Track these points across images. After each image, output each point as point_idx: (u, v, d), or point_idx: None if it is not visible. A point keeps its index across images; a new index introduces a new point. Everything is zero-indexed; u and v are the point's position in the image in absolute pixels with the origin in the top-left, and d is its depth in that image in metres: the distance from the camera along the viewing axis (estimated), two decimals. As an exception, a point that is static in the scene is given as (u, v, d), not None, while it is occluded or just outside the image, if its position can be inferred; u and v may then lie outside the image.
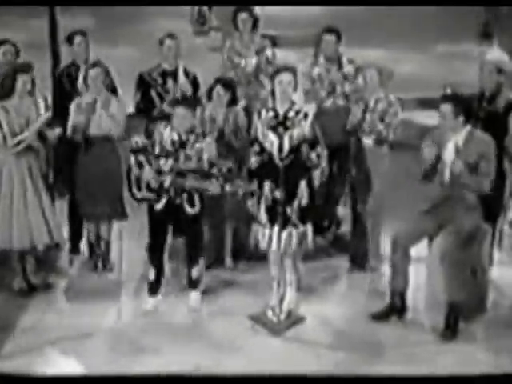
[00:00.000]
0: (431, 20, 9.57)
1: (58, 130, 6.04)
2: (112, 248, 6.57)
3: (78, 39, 6.69)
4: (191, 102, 6.10)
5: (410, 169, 5.86)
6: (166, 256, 5.97)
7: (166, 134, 5.67)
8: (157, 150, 5.64)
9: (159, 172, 5.58)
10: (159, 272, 5.83)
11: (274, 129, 5.52)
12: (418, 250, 5.69)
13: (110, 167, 6.29)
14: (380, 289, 5.99)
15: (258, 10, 7.12)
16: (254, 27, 7.02)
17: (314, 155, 5.51)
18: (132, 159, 5.63)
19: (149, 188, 5.62)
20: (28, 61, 6.18)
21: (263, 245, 5.63)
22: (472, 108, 5.62)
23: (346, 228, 6.68)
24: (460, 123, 5.42)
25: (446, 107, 5.40)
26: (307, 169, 5.52)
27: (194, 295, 5.83)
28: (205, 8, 10.48)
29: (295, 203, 5.51)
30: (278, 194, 5.49)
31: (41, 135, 6.01)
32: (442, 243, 5.48)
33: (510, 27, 8.67)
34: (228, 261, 6.53)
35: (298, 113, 5.53)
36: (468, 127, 5.46)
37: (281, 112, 5.53)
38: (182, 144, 5.64)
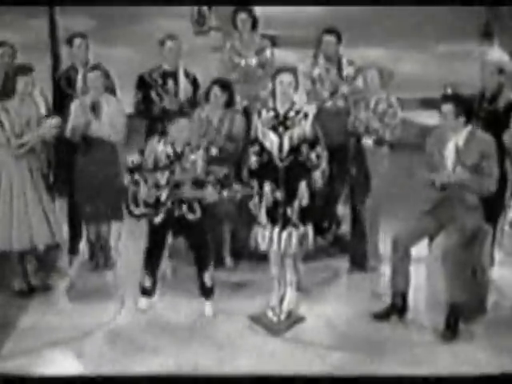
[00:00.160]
0: (432, 20, 9.56)
1: (55, 121, 6.01)
2: (112, 248, 6.56)
3: (77, 41, 6.68)
4: (190, 112, 6.11)
5: (410, 169, 5.86)
6: (163, 259, 5.96)
7: (160, 148, 5.64)
8: (152, 165, 5.61)
9: (156, 186, 5.57)
10: (154, 278, 5.82)
11: (274, 129, 5.52)
12: (418, 250, 5.69)
13: (109, 168, 6.28)
14: (380, 289, 5.99)
15: (257, 10, 7.11)
16: (253, 27, 7.01)
17: (314, 155, 5.50)
18: (128, 178, 5.62)
19: (146, 204, 5.60)
20: (28, 62, 6.18)
21: (263, 245, 5.63)
22: (473, 108, 5.62)
23: (345, 228, 6.68)
24: (461, 123, 5.41)
25: (447, 107, 5.39)
26: (307, 169, 5.52)
27: (208, 305, 5.77)
28: (205, 8, 10.48)
29: (295, 204, 5.51)
30: (279, 194, 5.49)
31: (41, 136, 6.00)
32: (443, 243, 5.48)
33: (511, 27, 8.67)
34: (228, 261, 6.52)
35: (298, 113, 5.53)
36: (469, 127, 5.45)
37: (281, 112, 5.52)
38: (178, 156, 5.61)
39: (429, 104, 8.28)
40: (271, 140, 5.51)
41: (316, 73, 6.64)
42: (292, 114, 5.52)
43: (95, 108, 6.21)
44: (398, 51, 10.01)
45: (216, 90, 6.31)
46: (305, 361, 5.16)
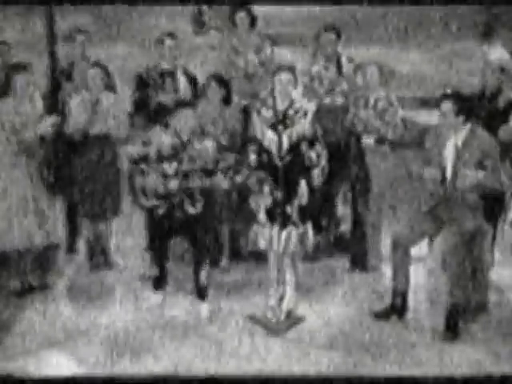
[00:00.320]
0: (432, 19, 9.58)
1: (53, 119, 6.00)
2: (111, 247, 6.54)
3: (80, 38, 6.68)
4: (193, 101, 6.09)
5: (410, 168, 5.85)
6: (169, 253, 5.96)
7: (165, 138, 5.62)
8: (157, 155, 5.60)
9: (164, 176, 5.55)
10: (162, 269, 5.80)
11: (273, 127, 5.50)
12: (418, 250, 5.68)
13: (108, 165, 6.26)
14: (380, 289, 5.98)
15: (256, 8, 7.10)
16: (252, 26, 7.00)
17: (313, 154, 5.49)
18: (134, 169, 5.61)
19: (156, 195, 5.58)
20: (25, 60, 6.16)
21: (263, 245, 5.61)
22: (473, 106, 5.60)
23: (345, 228, 6.66)
24: (461, 122, 5.40)
25: (447, 106, 5.38)
26: (307, 168, 5.50)
27: (205, 307, 5.77)
28: (204, 7, 10.50)
29: (295, 202, 5.49)
30: (278, 193, 5.48)
31: (42, 137, 5.99)
32: (443, 243, 5.47)
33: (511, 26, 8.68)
34: (225, 261, 6.49)
35: (297, 111, 5.51)
36: (469, 125, 5.43)
37: (280, 110, 5.51)
38: (183, 146, 5.60)
39: (429, 103, 8.26)
40: (270, 139, 5.50)
41: (315, 70, 6.62)
42: (291, 112, 5.50)
43: (96, 105, 6.20)
44: (399, 50, 10.02)
45: (213, 85, 6.29)
46: (304, 361, 5.15)
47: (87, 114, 6.14)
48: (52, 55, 6.13)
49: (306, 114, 5.52)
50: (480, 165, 5.30)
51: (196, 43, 9.97)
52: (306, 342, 5.40)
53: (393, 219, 6.28)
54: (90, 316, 5.70)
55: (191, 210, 5.62)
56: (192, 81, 6.77)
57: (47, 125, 5.92)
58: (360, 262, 6.38)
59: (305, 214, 5.53)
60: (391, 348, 5.28)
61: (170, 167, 5.55)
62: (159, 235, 5.70)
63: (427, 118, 7.49)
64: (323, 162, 5.54)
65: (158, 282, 5.81)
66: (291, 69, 5.57)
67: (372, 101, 6.18)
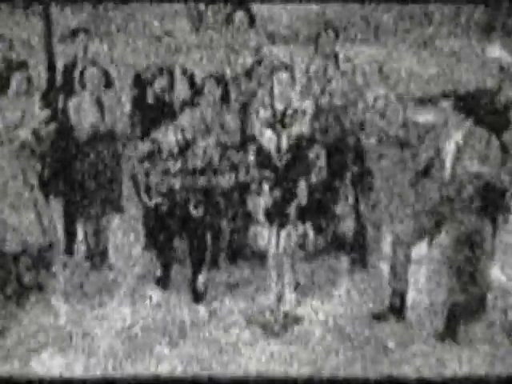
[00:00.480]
0: (432, 17, 9.58)
1: (52, 126, 6.00)
2: (109, 246, 6.53)
3: (81, 36, 6.67)
4: (199, 101, 6.14)
5: (410, 168, 5.85)
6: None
7: (170, 137, 5.63)
8: (163, 153, 5.60)
9: (168, 174, 5.55)
10: (166, 268, 5.82)
11: (271, 127, 5.49)
12: (418, 250, 5.67)
13: (110, 164, 6.26)
14: (380, 289, 5.97)
15: (255, 7, 7.10)
16: (250, 24, 6.99)
17: (312, 153, 5.48)
18: (139, 168, 5.61)
19: (159, 193, 5.58)
20: (23, 58, 6.16)
21: (262, 245, 5.60)
22: (472, 105, 5.59)
23: (345, 227, 6.66)
24: (460, 120, 5.40)
25: (446, 104, 5.38)
26: (306, 167, 5.49)
27: (202, 309, 5.76)
28: (202, 5, 10.49)
29: (294, 202, 5.48)
30: (277, 193, 5.47)
31: (36, 133, 5.97)
32: (443, 243, 5.46)
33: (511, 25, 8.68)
34: (225, 261, 6.49)
35: (296, 111, 5.50)
36: (468, 123, 5.43)
37: (279, 110, 5.50)
38: (188, 143, 5.60)
39: (428, 101, 8.27)
40: (269, 138, 5.49)
41: (313, 70, 6.62)
42: (290, 111, 5.50)
43: (97, 103, 6.18)
44: (398, 48, 10.02)
45: (210, 84, 6.27)
46: (304, 361, 5.14)
47: (93, 112, 6.14)
48: (49, 53, 6.13)
49: (304, 113, 5.52)
50: (480, 161, 5.30)
51: (194, 42, 9.97)
52: (306, 342, 5.39)
53: (393, 219, 6.26)
54: (90, 316, 5.69)
55: (193, 211, 5.62)
56: (190, 79, 6.77)
57: (40, 120, 5.91)
58: (360, 261, 6.39)
59: (304, 213, 5.52)
60: (390, 348, 5.27)
61: (174, 165, 5.55)
62: (162, 233, 5.70)
63: (427, 117, 7.49)
64: (322, 161, 5.53)
65: (162, 281, 5.80)
66: (289, 67, 5.56)
67: (371, 100, 6.17)
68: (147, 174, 5.57)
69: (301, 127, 5.49)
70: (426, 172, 5.50)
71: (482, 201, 5.48)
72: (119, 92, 6.66)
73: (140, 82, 6.68)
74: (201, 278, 5.73)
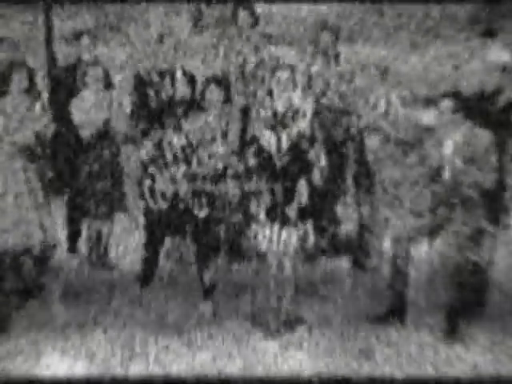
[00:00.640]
0: (432, 17, 9.58)
1: (53, 127, 6.02)
2: (112, 246, 6.55)
3: (85, 38, 6.69)
4: (205, 105, 6.11)
5: (410, 168, 5.85)
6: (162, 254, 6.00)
7: (175, 141, 5.63)
8: (167, 158, 5.60)
9: (173, 179, 5.56)
10: (151, 267, 5.83)
11: (272, 127, 5.50)
12: (418, 249, 5.67)
13: (111, 164, 6.27)
14: (380, 289, 5.97)
15: (257, 7, 7.10)
16: (253, 25, 6.99)
17: (312, 154, 5.49)
18: (143, 172, 5.62)
19: (164, 197, 5.59)
20: (24, 59, 6.16)
21: (262, 245, 5.61)
22: (472, 106, 5.61)
23: (346, 228, 6.67)
24: (460, 120, 5.41)
25: (446, 104, 5.39)
26: (306, 168, 5.50)
27: (208, 305, 5.77)
28: (203, 5, 10.47)
29: (295, 203, 5.48)
30: (277, 193, 5.47)
31: (37, 134, 5.98)
32: (443, 243, 5.46)
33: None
34: (225, 261, 6.49)
35: (296, 111, 5.51)
36: (468, 124, 5.44)
37: (279, 110, 5.50)
38: (193, 148, 5.60)
39: (429, 102, 8.27)
40: (269, 139, 5.49)
41: (314, 70, 6.62)
42: (290, 112, 5.50)
43: (99, 104, 6.20)
44: (398, 49, 10.02)
45: (212, 87, 6.27)
46: (304, 362, 5.15)
47: (97, 112, 6.16)
48: (50, 54, 6.14)
49: (304, 114, 5.52)
50: (480, 162, 5.31)
51: (195, 42, 9.96)
52: (306, 342, 5.39)
53: (393, 219, 6.26)
54: (91, 316, 5.69)
55: (200, 214, 5.63)
56: (190, 80, 6.76)
57: (41, 122, 5.93)
58: (360, 261, 6.39)
59: (305, 214, 5.52)
60: (391, 348, 5.28)
61: (178, 170, 5.56)
62: (156, 235, 5.71)
63: (427, 117, 7.50)
64: (322, 162, 5.54)
65: (146, 279, 5.81)
66: (290, 68, 5.57)
67: (372, 100, 6.18)
68: (152, 178, 5.58)
69: (301, 127, 5.50)
70: (428, 173, 5.52)
71: (482, 201, 5.49)
72: (120, 92, 6.67)
73: (141, 83, 6.69)
74: (207, 275, 5.73)
